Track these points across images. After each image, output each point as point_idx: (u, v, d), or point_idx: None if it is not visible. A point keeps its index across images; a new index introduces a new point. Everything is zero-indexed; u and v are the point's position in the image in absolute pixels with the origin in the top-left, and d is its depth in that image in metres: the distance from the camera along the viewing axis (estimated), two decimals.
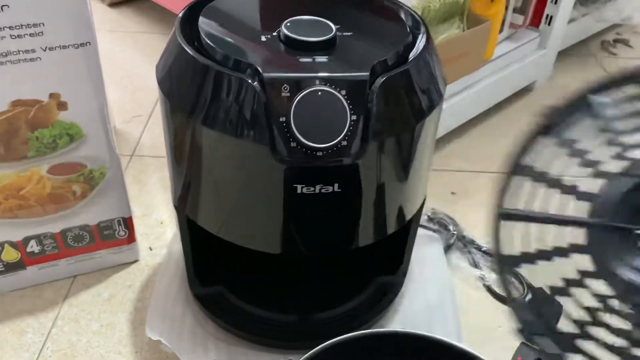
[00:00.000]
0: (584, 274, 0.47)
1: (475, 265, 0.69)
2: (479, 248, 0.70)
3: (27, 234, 0.60)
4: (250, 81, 0.41)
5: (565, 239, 0.46)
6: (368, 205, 0.47)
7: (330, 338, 0.47)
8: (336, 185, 0.44)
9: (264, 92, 0.41)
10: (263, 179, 0.44)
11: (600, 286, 0.46)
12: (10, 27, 0.48)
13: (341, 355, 0.47)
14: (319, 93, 0.41)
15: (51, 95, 0.53)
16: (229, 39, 0.45)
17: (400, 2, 0.53)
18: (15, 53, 0.49)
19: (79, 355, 0.58)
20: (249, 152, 0.43)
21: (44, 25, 0.49)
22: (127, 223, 0.64)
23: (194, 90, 0.44)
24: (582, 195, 0.45)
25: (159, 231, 0.73)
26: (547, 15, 0.99)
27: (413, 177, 0.49)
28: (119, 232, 0.65)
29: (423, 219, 0.72)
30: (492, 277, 0.68)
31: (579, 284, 0.47)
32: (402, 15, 0.51)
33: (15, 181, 0.56)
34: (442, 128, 0.86)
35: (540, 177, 0.45)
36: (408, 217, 0.52)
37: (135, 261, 0.68)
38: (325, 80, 0.41)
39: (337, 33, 0.46)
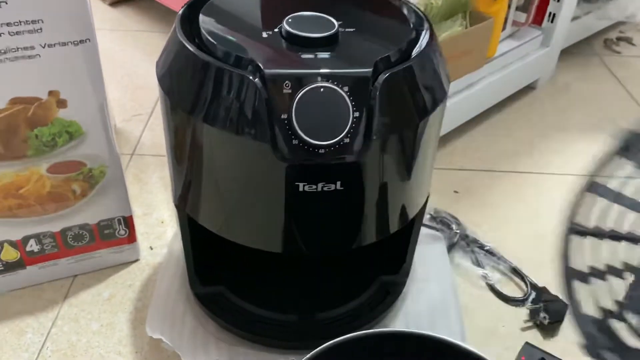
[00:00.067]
0: None
1: (479, 264, 0.68)
2: (482, 247, 0.70)
3: (27, 233, 0.60)
4: (251, 78, 0.41)
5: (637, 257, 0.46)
6: (371, 204, 0.47)
7: (332, 338, 0.46)
8: (338, 183, 0.43)
9: (265, 88, 0.41)
10: (264, 177, 0.44)
11: None
12: (8, 24, 0.47)
13: (343, 356, 0.46)
14: (321, 90, 0.40)
15: (50, 93, 0.52)
16: (230, 36, 0.45)
17: None
18: (14, 50, 0.49)
19: (78, 356, 0.57)
20: (250, 150, 0.43)
21: (42, 21, 0.48)
22: (128, 222, 0.64)
23: (195, 87, 0.43)
24: None
25: (159, 230, 0.72)
26: (550, 13, 0.98)
27: (416, 175, 0.49)
28: (119, 231, 0.64)
29: (426, 218, 0.71)
30: (495, 276, 0.67)
31: None
32: (405, 12, 0.51)
33: (14, 180, 0.56)
34: (444, 126, 0.85)
35: (616, 198, 0.44)
36: (411, 215, 0.52)
37: (136, 261, 0.68)
38: (328, 77, 0.41)
39: (340, 29, 0.45)
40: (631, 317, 0.46)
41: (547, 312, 0.61)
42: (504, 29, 0.92)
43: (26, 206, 0.57)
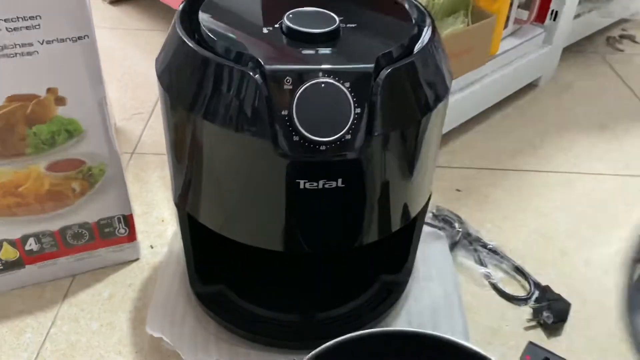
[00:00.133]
0: None
1: (481, 263, 0.68)
2: (484, 246, 0.69)
3: (26, 232, 0.59)
4: (251, 74, 0.40)
5: None
6: (372, 201, 0.46)
7: (333, 338, 0.46)
8: (340, 180, 0.43)
9: (266, 84, 0.40)
10: (265, 174, 0.43)
11: None
12: (5, 20, 0.47)
13: (345, 355, 0.46)
14: (322, 85, 0.40)
15: (49, 90, 0.52)
16: (230, 31, 0.44)
17: None
18: (11, 46, 0.48)
19: (78, 356, 0.57)
20: (251, 147, 0.42)
21: (40, 17, 0.48)
22: (128, 221, 0.63)
23: (195, 83, 0.43)
24: None
25: (159, 229, 0.72)
26: (553, 11, 0.97)
27: (418, 173, 0.48)
28: (119, 230, 0.64)
29: (428, 216, 0.71)
30: (498, 275, 0.67)
31: None
32: (407, 7, 0.50)
33: (13, 178, 0.55)
34: (446, 124, 0.84)
35: None
36: (413, 214, 0.51)
37: (136, 260, 0.67)
38: (329, 73, 0.40)
39: (341, 25, 0.44)
40: None
41: (550, 311, 0.60)
42: (506, 26, 0.91)
43: (25, 205, 0.57)
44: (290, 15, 0.44)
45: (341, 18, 0.45)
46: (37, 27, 0.48)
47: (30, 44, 0.49)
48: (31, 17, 0.48)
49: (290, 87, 0.40)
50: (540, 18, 0.98)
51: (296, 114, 0.40)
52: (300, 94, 0.40)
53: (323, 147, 0.41)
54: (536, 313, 0.61)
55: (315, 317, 0.58)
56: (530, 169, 0.85)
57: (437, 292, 0.62)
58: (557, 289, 0.64)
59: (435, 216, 0.72)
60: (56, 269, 0.63)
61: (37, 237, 0.60)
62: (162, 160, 0.83)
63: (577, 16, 1.05)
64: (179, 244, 0.60)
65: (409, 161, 0.47)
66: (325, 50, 0.42)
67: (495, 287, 0.65)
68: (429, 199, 0.54)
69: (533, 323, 0.61)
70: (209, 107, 0.42)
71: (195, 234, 0.54)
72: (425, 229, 0.67)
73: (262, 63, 0.40)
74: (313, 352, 0.45)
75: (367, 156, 0.42)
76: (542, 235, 0.73)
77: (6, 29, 0.47)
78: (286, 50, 0.43)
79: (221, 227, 0.49)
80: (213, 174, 0.46)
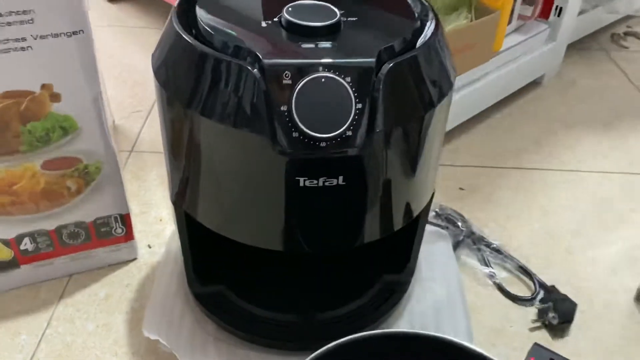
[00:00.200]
0: None
1: (485, 262, 0.66)
2: (488, 245, 0.68)
3: (21, 232, 0.58)
4: (249, 68, 0.39)
5: None
6: (374, 200, 0.45)
7: (334, 339, 0.45)
8: (340, 177, 0.41)
9: (264, 79, 0.39)
10: (264, 171, 0.42)
11: None
12: None
13: (346, 357, 0.45)
14: (322, 80, 0.39)
15: (43, 86, 0.51)
16: (228, 25, 0.43)
17: None
18: (4, 42, 0.47)
19: (73, 357, 0.56)
20: (249, 144, 0.41)
21: (34, 12, 0.47)
22: (125, 220, 0.62)
23: (191, 78, 0.42)
24: None
25: (157, 228, 0.70)
26: (557, 7, 0.96)
27: (421, 170, 0.47)
28: (116, 230, 0.62)
29: (431, 215, 0.70)
30: (502, 275, 0.65)
31: None
32: (410, 1, 0.49)
33: (7, 176, 0.54)
34: (449, 122, 0.83)
35: None
36: (416, 212, 0.50)
37: (134, 259, 0.66)
38: (329, 67, 0.39)
39: (342, 18, 0.43)
40: None
41: (556, 312, 0.59)
42: (509, 22, 0.90)
43: (19, 203, 0.56)
44: (290, 9, 0.43)
45: (342, 11, 0.43)
46: (31, 21, 0.47)
47: (24, 39, 0.48)
48: (24, 12, 0.47)
49: (290, 82, 0.39)
50: (544, 14, 0.96)
51: (295, 110, 0.39)
52: (300, 89, 0.39)
53: (323, 144, 0.39)
54: (541, 314, 0.60)
55: (315, 318, 0.57)
56: (534, 167, 0.84)
57: (440, 293, 0.61)
58: (562, 288, 0.63)
59: (438, 215, 0.71)
60: (52, 269, 0.62)
61: (32, 236, 0.59)
62: (161, 159, 0.81)
63: (581, 12, 1.03)
64: (176, 244, 0.59)
65: (412, 158, 0.45)
66: (326, 44, 0.41)
67: (499, 287, 0.64)
68: (432, 197, 0.53)
69: (538, 324, 0.60)
70: (207, 103, 0.41)
71: (193, 233, 0.53)
72: (428, 228, 0.66)
73: (261, 57, 0.39)
74: (313, 355, 0.44)
75: (368, 153, 0.41)
76: (547, 234, 0.72)
77: None
78: (285, 44, 0.42)
79: (219, 226, 0.48)
80: (211, 171, 0.45)
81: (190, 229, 0.52)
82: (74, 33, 0.49)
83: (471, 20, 0.78)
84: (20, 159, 0.54)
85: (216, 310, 0.56)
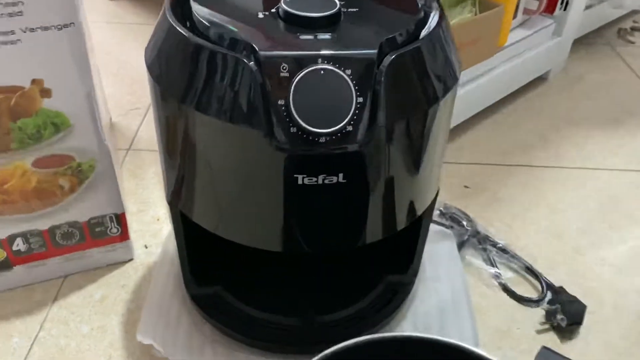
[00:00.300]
0: None
1: (491, 263, 0.65)
2: (494, 244, 0.66)
3: (13, 232, 0.56)
4: (245, 60, 0.37)
5: None
6: (376, 198, 0.43)
7: (335, 342, 0.43)
8: (341, 175, 0.40)
9: (261, 72, 0.37)
10: (260, 169, 0.40)
11: None
12: None
13: None
14: (322, 73, 0.37)
15: (33, 81, 0.49)
16: (223, 16, 0.41)
17: None
18: None
19: None
20: (245, 139, 0.39)
21: (23, 4, 0.45)
22: (120, 220, 0.61)
23: (185, 72, 0.40)
24: None
25: (154, 228, 0.69)
26: (563, 1, 0.94)
27: (425, 167, 0.45)
28: (111, 229, 0.61)
29: (435, 214, 0.67)
30: (508, 275, 0.64)
31: None
32: None
33: None
34: (453, 118, 0.82)
35: None
36: (419, 211, 0.48)
37: (130, 260, 0.64)
38: (329, 59, 0.37)
39: (342, 9, 0.41)
40: None
41: (564, 314, 0.57)
42: (514, 17, 0.88)
43: (11, 202, 0.54)
44: None
45: (342, 2, 0.42)
46: (20, 14, 0.45)
47: (13, 32, 0.46)
48: (13, 3, 0.45)
49: (287, 74, 0.37)
50: (550, 8, 0.94)
51: (293, 104, 0.37)
52: (298, 82, 0.37)
53: (322, 140, 0.38)
54: (549, 315, 0.58)
55: (316, 320, 0.55)
56: (540, 165, 0.82)
57: (444, 294, 0.59)
58: (570, 289, 0.61)
59: (442, 214, 0.69)
60: (45, 270, 0.60)
61: (25, 237, 0.57)
62: (159, 157, 0.80)
63: (587, 7, 1.01)
64: (173, 244, 0.57)
65: (415, 155, 0.44)
66: (325, 36, 0.39)
67: (505, 288, 0.62)
68: (437, 195, 0.51)
69: (546, 326, 0.58)
70: (201, 98, 0.39)
71: (190, 234, 0.51)
72: (432, 227, 0.64)
73: (257, 49, 0.37)
74: (314, 359, 0.42)
75: (370, 149, 0.39)
76: (554, 234, 0.70)
77: None
78: (283, 35, 0.40)
79: (216, 227, 0.46)
80: (206, 169, 0.43)
81: (187, 229, 0.51)
82: (65, 26, 0.47)
83: (476, 14, 0.76)
84: (11, 157, 0.52)
85: (213, 312, 0.54)
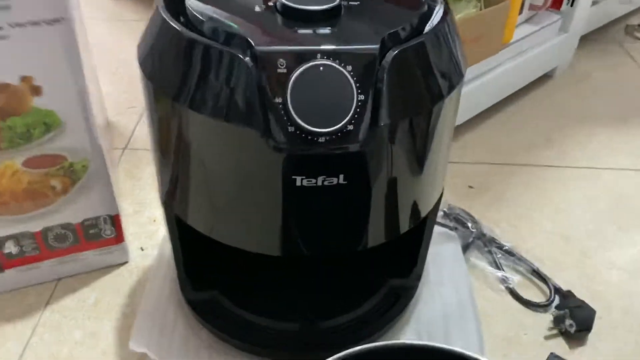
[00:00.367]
0: None
1: (497, 266, 0.63)
2: (500, 247, 0.64)
3: (4, 234, 0.55)
4: (240, 56, 0.35)
5: None
6: (378, 200, 0.41)
7: (336, 348, 0.41)
8: (341, 176, 0.38)
9: (257, 68, 0.35)
10: (257, 169, 0.39)
11: None
12: None
13: None
14: (321, 69, 0.35)
15: (23, 79, 0.47)
16: (218, 10, 0.40)
17: None
18: None
19: None
20: (241, 139, 0.37)
21: None
22: (115, 221, 0.59)
23: (179, 69, 0.38)
24: None
25: (151, 229, 0.67)
26: None
27: (429, 168, 0.43)
28: (106, 231, 0.59)
29: (438, 215, 0.66)
30: (515, 279, 0.62)
31: None
32: None
33: None
34: (457, 117, 0.80)
35: None
36: (423, 213, 0.46)
37: (125, 263, 0.63)
38: (328, 54, 0.35)
39: (342, 2, 0.40)
40: None
41: (573, 319, 0.55)
42: (520, 12, 0.86)
43: (1, 204, 0.53)
44: None
45: None
46: (7, 8, 0.44)
47: (0, 28, 0.44)
48: None
49: (285, 71, 0.35)
50: (556, 4, 0.92)
51: (291, 102, 0.35)
52: (296, 78, 0.35)
53: (322, 139, 0.36)
54: (557, 321, 0.56)
55: (316, 326, 0.53)
56: (547, 164, 0.80)
57: (449, 298, 0.57)
58: (578, 293, 0.59)
59: (446, 215, 0.67)
60: (38, 273, 0.59)
61: (17, 239, 0.56)
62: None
63: (594, 3, 0.99)
64: (170, 246, 0.56)
65: (419, 155, 0.42)
66: (325, 30, 0.38)
67: (512, 292, 0.60)
68: (441, 196, 0.49)
69: (554, 332, 0.57)
70: (195, 95, 0.38)
71: (185, 236, 0.50)
72: (436, 229, 0.62)
73: (253, 44, 0.35)
74: None
75: (371, 149, 0.37)
76: (561, 235, 0.68)
77: None
78: (280, 30, 0.38)
79: (211, 230, 0.44)
80: (200, 170, 0.41)
81: (182, 232, 0.49)
82: (56, 21, 0.46)
83: (480, 9, 0.74)
84: (1, 157, 0.50)
85: (210, 317, 0.53)
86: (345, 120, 0.36)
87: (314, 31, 0.37)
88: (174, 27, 0.39)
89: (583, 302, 0.58)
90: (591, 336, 0.56)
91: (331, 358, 0.41)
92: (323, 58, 0.35)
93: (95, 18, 1.13)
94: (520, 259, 0.63)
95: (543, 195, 0.75)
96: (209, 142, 0.39)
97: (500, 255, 0.64)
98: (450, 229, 0.66)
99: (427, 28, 0.41)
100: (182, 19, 0.41)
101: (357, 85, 0.36)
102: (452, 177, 0.76)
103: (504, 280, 0.61)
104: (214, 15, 0.39)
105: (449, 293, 0.58)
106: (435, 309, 0.56)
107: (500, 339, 0.56)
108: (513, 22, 0.81)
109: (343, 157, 0.37)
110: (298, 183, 0.38)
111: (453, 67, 0.42)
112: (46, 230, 0.56)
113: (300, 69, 0.35)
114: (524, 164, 0.80)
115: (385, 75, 0.36)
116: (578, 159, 0.82)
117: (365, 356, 0.42)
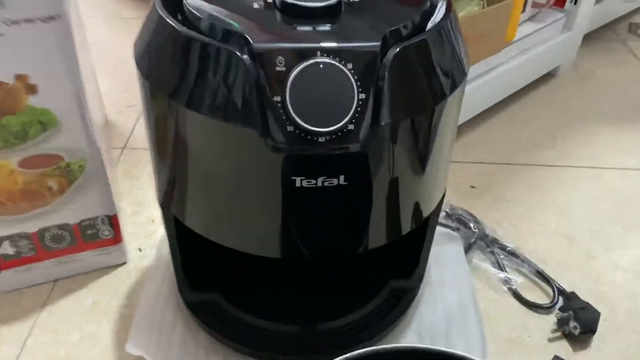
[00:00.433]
0: None
1: (500, 267, 0.62)
2: (503, 247, 0.63)
3: (0, 235, 0.54)
4: (238, 53, 0.35)
5: None
6: (379, 201, 0.40)
7: (336, 351, 0.40)
8: (342, 177, 0.37)
9: (255, 66, 0.35)
10: (255, 170, 0.38)
11: None
12: None
13: None
14: (321, 67, 0.34)
15: (18, 77, 0.46)
16: (216, 7, 0.39)
17: None
18: None
19: None
20: (238, 139, 0.37)
21: None
22: (112, 222, 0.58)
23: (176, 67, 0.38)
24: None
25: (149, 230, 0.66)
26: None
27: (431, 168, 0.43)
28: (103, 232, 0.58)
29: (440, 216, 0.65)
30: (518, 280, 0.61)
31: None
32: None
33: None
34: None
35: None
36: (425, 214, 0.46)
37: (123, 263, 0.62)
38: (328, 52, 0.34)
39: None
40: None
41: (577, 321, 0.54)
42: (523, 10, 0.85)
43: None
44: None
45: None
46: (1, 5, 0.43)
47: None
48: None
49: (284, 68, 0.34)
50: (560, 2, 0.92)
51: (290, 101, 0.34)
52: (295, 76, 0.34)
53: (322, 139, 0.35)
54: (561, 323, 0.56)
55: (316, 328, 0.53)
56: (550, 164, 0.79)
57: (450, 300, 0.56)
58: (582, 294, 0.58)
59: (448, 215, 0.67)
60: (35, 274, 0.58)
61: (13, 240, 0.55)
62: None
63: (598, 1, 0.98)
64: (168, 247, 0.55)
65: (421, 155, 0.41)
66: (325, 27, 0.37)
67: (515, 294, 0.60)
68: (443, 197, 0.48)
69: (558, 334, 0.56)
70: (192, 94, 0.37)
71: (183, 237, 0.49)
72: (438, 229, 0.61)
73: (251, 41, 0.35)
74: None
75: (372, 149, 0.37)
76: (565, 236, 0.67)
77: None
78: (279, 26, 0.37)
79: (209, 232, 0.43)
80: (198, 170, 0.41)
81: (180, 232, 0.48)
82: (51, 19, 0.45)
83: (483, 7, 0.73)
84: None
85: (209, 319, 0.52)
86: (346, 120, 0.35)
87: (314, 28, 0.37)
88: (171, 24, 0.38)
89: (587, 303, 0.57)
90: (595, 338, 0.55)
91: None
92: (323, 56, 0.34)
93: (95, 17, 1.13)
94: (523, 260, 0.62)
95: (546, 195, 0.74)
96: (206, 141, 0.39)
97: (502, 256, 0.63)
98: (453, 229, 0.65)
99: (430, 25, 0.40)
100: (179, 16, 0.40)
101: (358, 83, 0.35)
102: (454, 176, 0.75)
103: (506, 282, 0.60)
104: (212, 12, 0.38)
105: (451, 294, 0.57)
106: (437, 310, 0.55)
107: (503, 341, 0.55)
108: (516, 20, 0.80)
109: (343, 158, 0.36)
110: (297, 184, 0.37)
111: (456, 66, 0.41)
112: (43, 231, 0.55)
113: (300, 67, 0.34)
114: (527, 164, 0.79)
115: (386, 74, 0.35)
116: (581, 158, 0.81)
117: None
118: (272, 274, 0.55)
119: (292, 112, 0.34)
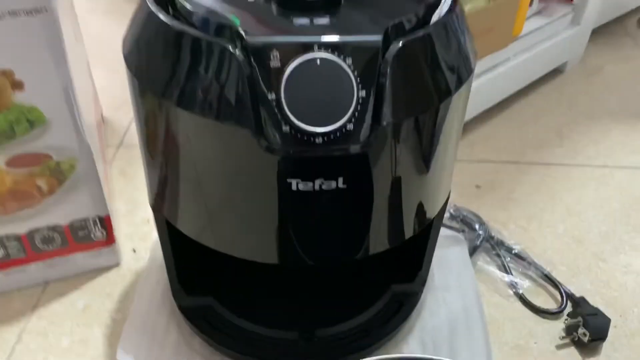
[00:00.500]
0: None
1: (506, 270, 0.60)
2: (509, 250, 0.61)
3: None
4: (229, 48, 0.33)
5: None
6: (380, 205, 0.38)
7: (336, 359, 0.38)
8: (340, 179, 0.35)
9: (248, 61, 0.33)
10: (249, 172, 0.36)
11: None
12: None
13: None
14: (318, 62, 0.32)
15: (3, 73, 0.44)
16: None
17: None
18: None
19: None
20: (231, 139, 0.35)
21: None
22: (105, 222, 0.56)
23: (166, 63, 0.36)
24: None
25: (144, 230, 0.64)
26: None
27: (436, 169, 0.40)
28: (95, 233, 0.57)
29: (444, 217, 0.63)
30: (524, 284, 0.59)
31: None
32: None
33: None
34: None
35: None
36: (429, 217, 0.44)
37: (116, 265, 0.60)
38: (327, 46, 0.32)
39: None
40: None
41: (587, 328, 0.52)
42: (530, 4, 0.83)
43: None
44: None
45: None
46: None
47: None
48: None
49: (279, 64, 0.32)
50: None
51: (285, 98, 0.32)
52: (291, 72, 0.32)
53: (319, 139, 0.33)
54: (570, 329, 0.54)
55: (315, 334, 0.51)
56: (558, 163, 0.77)
57: (455, 304, 0.54)
58: (592, 299, 0.56)
59: (452, 217, 0.65)
60: (24, 277, 0.56)
61: (2, 241, 0.53)
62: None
63: None
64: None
65: (425, 156, 0.39)
66: (323, 20, 0.35)
67: (521, 298, 0.58)
68: (448, 198, 0.46)
69: (566, 341, 0.54)
70: (183, 92, 0.35)
71: (177, 240, 0.47)
72: (442, 231, 0.59)
73: (244, 35, 0.33)
74: None
75: (373, 150, 0.35)
76: (573, 238, 0.65)
77: None
78: (274, 19, 0.35)
79: (202, 236, 0.41)
80: (189, 172, 0.39)
81: (173, 235, 0.46)
82: (36, 11, 0.43)
83: (489, 1, 0.71)
84: None
85: (204, 325, 0.50)
86: (345, 119, 0.33)
87: (311, 21, 0.35)
88: (160, 18, 0.36)
89: (597, 309, 0.55)
90: (606, 345, 0.53)
91: None
92: (321, 50, 0.32)
93: (93, 11, 1.11)
94: (530, 263, 0.60)
95: (554, 195, 0.71)
96: (198, 141, 0.37)
97: (509, 258, 0.61)
98: (457, 231, 0.63)
99: (435, 19, 0.38)
100: (170, 10, 0.38)
101: (358, 80, 0.33)
102: (459, 176, 0.73)
103: (513, 286, 0.58)
104: (203, 4, 0.36)
105: (455, 299, 0.55)
106: (440, 315, 0.53)
107: (509, 348, 0.53)
108: (523, 15, 0.78)
109: (342, 159, 0.34)
110: (293, 187, 0.35)
111: (462, 61, 0.39)
112: (33, 232, 0.54)
113: (296, 62, 0.32)
114: (534, 162, 0.77)
115: (388, 70, 0.33)
116: (590, 156, 0.78)
117: None
118: (270, 278, 0.54)
119: (287, 110, 0.33)
